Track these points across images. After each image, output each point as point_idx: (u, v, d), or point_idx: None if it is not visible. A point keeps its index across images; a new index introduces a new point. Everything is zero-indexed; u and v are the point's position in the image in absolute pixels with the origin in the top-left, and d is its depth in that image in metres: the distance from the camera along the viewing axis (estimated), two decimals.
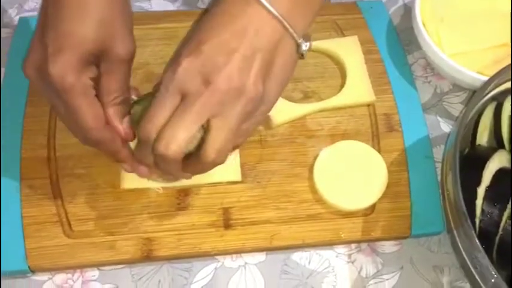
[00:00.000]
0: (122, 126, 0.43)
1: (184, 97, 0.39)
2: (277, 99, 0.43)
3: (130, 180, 0.50)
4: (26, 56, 0.41)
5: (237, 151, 0.53)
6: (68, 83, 0.39)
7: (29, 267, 0.48)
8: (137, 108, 0.44)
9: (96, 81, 0.42)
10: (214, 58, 0.38)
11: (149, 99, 0.44)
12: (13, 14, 0.63)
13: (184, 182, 0.49)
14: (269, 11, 0.39)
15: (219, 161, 0.41)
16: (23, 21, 0.61)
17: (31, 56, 0.40)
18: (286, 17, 0.39)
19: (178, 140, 0.39)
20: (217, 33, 0.39)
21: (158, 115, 0.39)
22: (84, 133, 0.41)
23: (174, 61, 0.40)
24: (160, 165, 0.41)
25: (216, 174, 0.51)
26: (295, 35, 0.40)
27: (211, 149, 0.40)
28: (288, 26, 0.40)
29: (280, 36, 0.40)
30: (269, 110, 0.43)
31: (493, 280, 0.40)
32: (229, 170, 0.52)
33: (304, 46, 0.41)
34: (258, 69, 0.39)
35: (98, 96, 0.42)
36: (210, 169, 0.42)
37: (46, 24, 0.40)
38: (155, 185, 0.51)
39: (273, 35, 0.39)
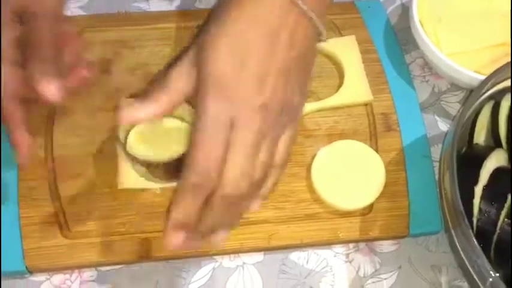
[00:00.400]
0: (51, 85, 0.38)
1: (234, 125, 0.34)
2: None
3: (128, 180, 0.50)
4: None
5: None
6: None
7: (26, 267, 0.48)
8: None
9: (21, 42, 0.39)
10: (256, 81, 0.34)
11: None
12: None
13: None
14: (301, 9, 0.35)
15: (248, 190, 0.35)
16: None
17: None
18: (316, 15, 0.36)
19: (245, 174, 0.34)
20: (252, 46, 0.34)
21: (215, 150, 0.34)
22: None
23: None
24: (215, 214, 0.35)
25: None
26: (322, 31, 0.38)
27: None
28: (319, 24, 0.37)
29: (312, 35, 0.37)
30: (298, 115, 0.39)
31: (490, 279, 0.40)
32: None
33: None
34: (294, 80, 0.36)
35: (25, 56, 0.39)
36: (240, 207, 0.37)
37: None
38: (153, 185, 0.51)
39: (306, 36, 0.36)
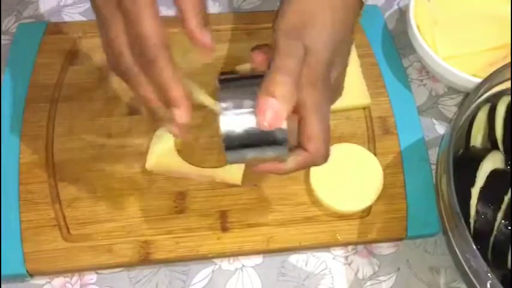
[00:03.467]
0: (205, 34, 0.41)
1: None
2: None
3: (157, 163, 0.50)
4: None
5: None
6: None
7: (27, 271, 0.48)
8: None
9: None
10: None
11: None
12: (12, 21, 0.64)
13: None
14: None
15: None
16: (22, 28, 0.61)
17: None
18: None
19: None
20: None
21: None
22: (142, 46, 0.39)
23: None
24: None
25: (218, 174, 0.52)
26: None
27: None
28: None
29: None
30: None
31: (488, 281, 0.40)
32: (232, 172, 0.52)
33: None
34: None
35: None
36: None
37: None
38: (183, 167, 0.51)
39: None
